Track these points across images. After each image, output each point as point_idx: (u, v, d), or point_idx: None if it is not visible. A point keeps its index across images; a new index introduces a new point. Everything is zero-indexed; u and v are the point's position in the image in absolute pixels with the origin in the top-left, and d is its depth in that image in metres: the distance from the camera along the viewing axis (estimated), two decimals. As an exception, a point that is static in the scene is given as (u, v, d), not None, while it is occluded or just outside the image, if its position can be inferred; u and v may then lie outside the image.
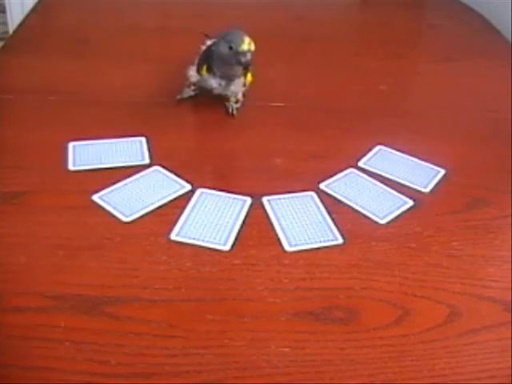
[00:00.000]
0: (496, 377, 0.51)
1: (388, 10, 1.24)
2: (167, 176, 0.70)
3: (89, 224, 0.63)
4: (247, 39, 0.74)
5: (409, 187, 0.71)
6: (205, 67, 0.80)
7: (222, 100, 0.85)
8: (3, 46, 1.01)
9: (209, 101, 0.85)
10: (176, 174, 0.70)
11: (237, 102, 0.84)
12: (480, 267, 0.61)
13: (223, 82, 0.80)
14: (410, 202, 0.69)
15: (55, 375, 0.49)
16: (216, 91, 0.82)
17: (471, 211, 0.69)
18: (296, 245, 0.62)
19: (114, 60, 0.96)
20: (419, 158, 0.76)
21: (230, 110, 0.83)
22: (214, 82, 0.81)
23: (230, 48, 0.75)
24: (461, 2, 1.28)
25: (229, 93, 0.82)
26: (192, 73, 0.83)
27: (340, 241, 0.63)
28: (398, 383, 0.50)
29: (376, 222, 0.66)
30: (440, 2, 1.31)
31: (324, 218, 0.65)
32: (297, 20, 1.15)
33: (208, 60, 0.80)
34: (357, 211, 0.67)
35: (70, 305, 0.54)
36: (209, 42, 0.83)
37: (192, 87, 0.85)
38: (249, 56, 0.74)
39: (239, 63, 0.76)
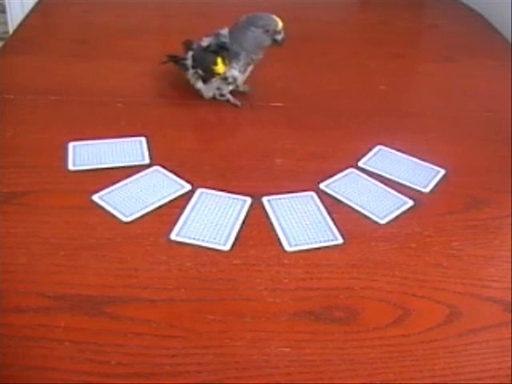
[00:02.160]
0: (496, 377, 0.51)
1: (388, 10, 1.24)
2: (167, 176, 0.70)
3: (89, 224, 0.63)
4: (276, 17, 0.78)
5: (409, 187, 0.71)
6: (219, 61, 0.80)
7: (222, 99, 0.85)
8: (3, 46, 1.01)
9: (208, 101, 0.86)
10: (176, 174, 0.70)
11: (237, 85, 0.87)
12: (480, 267, 0.61)
13: (243, 68, 0.82)
14: (410, 202, 0.69)
15: (55, 375, 0.49)
16: (238, 81, 0.84)
17: (471, 211, 0.69)
18: (296, 245, 0.62)
19: (114, 60, 0.96)
20: (419, 158, 0.76)
21: (243, 89, 0.87)
22: (235, 72, 0.82)
23: (267, 31, 0.78)
24: (461, 2, 1.28)
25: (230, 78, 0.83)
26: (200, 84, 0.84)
27: (340, 241, 0.63)
28: (397, 383, 0.50)
29: (376, 222, 0.66)
30: (440, 2, 1.31)
31: (324, 218, 0.65)
32: (297, 20, 1.15)
33: (221, 52, 0.81)
34: (357, 211, 0.67)
35: (69, 305, 0.54)
36: (195, 45, 0.83)
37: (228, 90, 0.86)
38: (283, 33, 0.79)
39: (276, 42, 0.79)
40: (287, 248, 0.61)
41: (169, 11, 1.19)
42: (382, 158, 0.76)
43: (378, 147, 0.78)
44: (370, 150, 0.77)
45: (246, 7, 1.21)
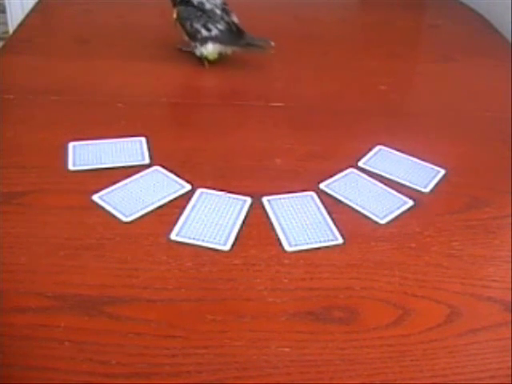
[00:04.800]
0: (496, 377, 0.51)
1: (388, 10, 1.24)
2: (167, 176, 0.70)
3: (89, 224, 0.63)
4: None
5: (409, 187, 0.71)
6: None
7: (221, 99, 0.85)
8: (3, 46, 1.01)
9: (208, 101, 0.86)
10: (176, 174, 0.70)
11: None
12: (480, 267, 0.61)
13: None
14: (410, 202, 0.69)
15: (55, 375, 0.49)
16: None
17: (471, 211, 0.69)
18: (296, 245, 0.62)
19: (114, 60, 0.96)
20: (419, 158, 0.76)
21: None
22: None
23: None
24: (461, 2, 1.28)
25: None
26: None
27: (340, 241, 0.63)
28: (397, 383, 0.50)
29: (376, 222, 0.66)
30: (440, 2, 1.31)
31: (324, 218, 0.65)
32: (296, 20, 1.15)
33: None
34: (357, 211, 0.67)
35: (70, 305, 0.54)
36: None
37: None
38: None
39: None
40: (287, 248, 0.61)
41: (168, 11, 1.19)
42: (382, 158, 0.76)
43: (377, 147, 0.78)
44: (370, 149, 0.77)
45: (246, 7, 1.21)
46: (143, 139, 0.76)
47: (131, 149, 0.74)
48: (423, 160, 0.76)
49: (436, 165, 0.75)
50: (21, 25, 1.08)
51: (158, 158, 0.73)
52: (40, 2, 1.16)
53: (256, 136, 0.80)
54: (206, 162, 0.74)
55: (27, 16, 1.11)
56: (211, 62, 0.93)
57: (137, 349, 0.51)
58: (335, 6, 1.26)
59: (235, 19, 0.91)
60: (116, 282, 0.57)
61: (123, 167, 0.71)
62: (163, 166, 0.71)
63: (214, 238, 0.62)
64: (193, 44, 0.92)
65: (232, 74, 0.93)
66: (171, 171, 0.71)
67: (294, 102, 0.87)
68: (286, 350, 0.52)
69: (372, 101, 0.90)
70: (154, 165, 0.72)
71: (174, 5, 0.93)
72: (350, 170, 0.73)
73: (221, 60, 0.92)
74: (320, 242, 0.62)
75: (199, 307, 0.55)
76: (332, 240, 0.63)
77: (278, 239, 0.62)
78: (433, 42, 1.14)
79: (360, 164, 0.74)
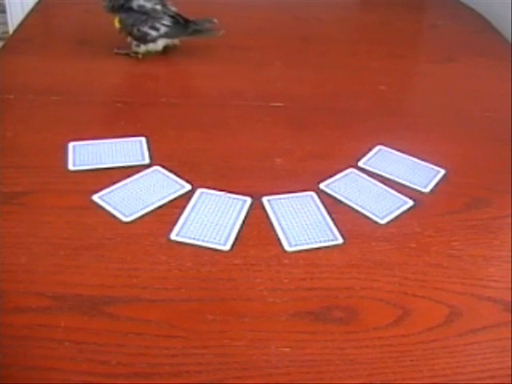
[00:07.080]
0: (496, 377, 0.51)
1: (388, 10, 1.24)
2: (167, 176, 0.70)
3: (89, 224, 0.63)
4: None
5: (409, 187, 0.71)
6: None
7: (221, 99, 0.85)
8: (3, 46, 1.01)
9: (208, 101, 0.86)
10: (176, 174, 0.70)
11: None
12: (480, 267, 0.61)
13: None
14: (410, 202, 0.69)
15: (55, 375, 0.49)
16: None
17: (471, 211, 0.69)
18: (296, 245, 0.62)
19: (113, 60, 0.96)
20: (419, 158, 0.76)
21: None
22: None
23: None
24: (461, 2, 1.28)
25: None
26: None
27: (340, 241, 0.63)
28: (397, 383, 0.50)
29: (376, 222, 0.66)
30: (440, 2, 1.31)
31: (324, 218, 0.65)
32: (296, 20, 1.16)
33: None
34: (357, 211, 0.67)
35: (69, 305, 0.54)
36: None
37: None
38: None
39: None
40: (287, 248, 0.61)
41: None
42: (382, 158, 0.76)
43: (378, 147, 0.78)
44: (370, 150, 0.77)
45: (246, 7, 1.21)
46: (143, 139, 0.76)
47: (131, 149, 0.74)
48: (423, 160, 0.76)
49: (436, 165, 0.75)
50: (21, 25, 1.08)
51: (158, 158, 0.73)
52: (40, 1, 1.16)
53: (256, 136, 0.80)
54: (206, 162, 0.74)
55: (27, 16, 1.11)
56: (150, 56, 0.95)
57: (137, 349, 0.51)
58: (335, 6, 1.26)
59: (174, 9, 0.92)
60: (116, 282, 0.57)
61: (123, 167, 0.71)
62: (163, 166, 0.71)
63: (214, 238, 0.62)
64: (135, 44, 0.93)
65: (232, 74, 0.93)
66: (171, 171, 0.71)
67: (294, 102, 0.87)
68: (286, 349, 0.52)
69: (372, 101, 0.90)
70: (154, 165, 0.72)
71: (113, 12, 0.93)
72: (350, 169, 0.73)
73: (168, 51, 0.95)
74: (320, 242, 0.62)
75: (199, 307, 0.55)
76: (332, 240, 0.63)
77: (278, 239, 0.62)
78: (433, 42, 1.14)
79: (360, 164, 0.74)
